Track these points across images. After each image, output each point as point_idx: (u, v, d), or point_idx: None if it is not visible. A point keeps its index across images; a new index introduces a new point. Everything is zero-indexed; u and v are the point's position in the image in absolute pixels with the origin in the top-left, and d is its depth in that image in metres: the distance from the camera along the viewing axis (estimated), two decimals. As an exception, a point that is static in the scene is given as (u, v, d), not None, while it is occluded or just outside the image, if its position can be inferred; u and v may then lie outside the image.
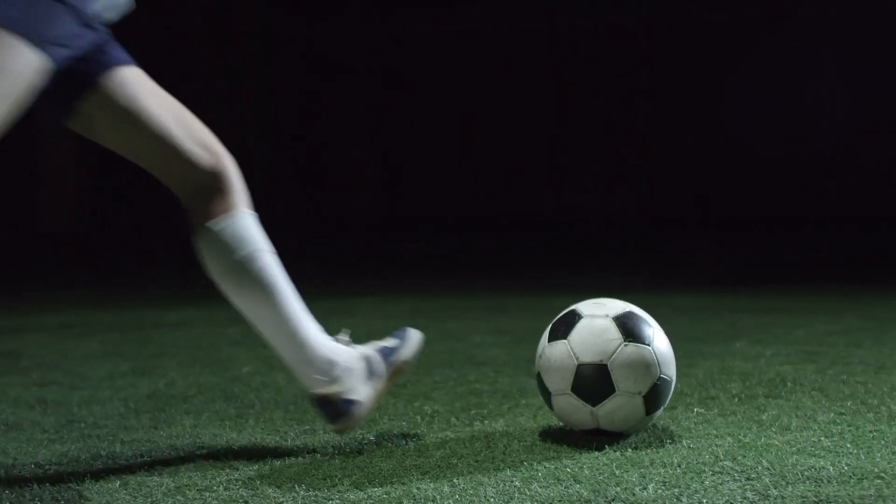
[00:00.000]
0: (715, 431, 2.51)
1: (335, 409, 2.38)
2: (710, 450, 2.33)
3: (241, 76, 12.96)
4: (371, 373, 2.45)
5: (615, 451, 2.34)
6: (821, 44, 11.37)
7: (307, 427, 2.67)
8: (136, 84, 2.21)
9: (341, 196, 13.30)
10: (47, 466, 2.36)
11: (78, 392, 3.20)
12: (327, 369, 2.38)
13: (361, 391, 2.41)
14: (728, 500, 1.98)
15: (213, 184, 2.29)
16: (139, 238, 11.12)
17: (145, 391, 3.20)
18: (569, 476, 2.16)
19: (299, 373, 2.42)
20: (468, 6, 12.78)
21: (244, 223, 2.33)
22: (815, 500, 1.97)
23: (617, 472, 2.19)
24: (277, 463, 2.33)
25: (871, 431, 2.46)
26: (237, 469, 2.29)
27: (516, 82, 12.74)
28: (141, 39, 13.08)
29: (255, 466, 2.31)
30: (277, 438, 2.57)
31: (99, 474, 2.27)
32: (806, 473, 2.13)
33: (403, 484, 2.14)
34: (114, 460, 2.40)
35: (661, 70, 12.12)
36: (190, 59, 12.69)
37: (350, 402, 2.39)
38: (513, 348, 3.90)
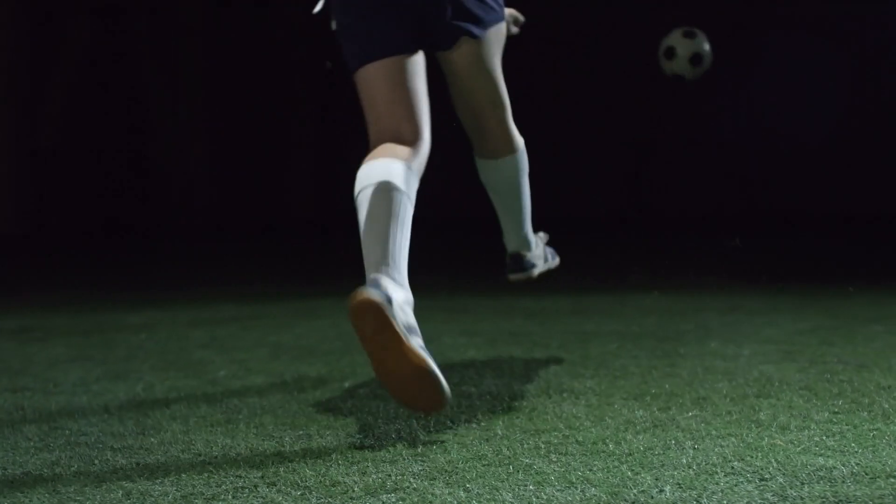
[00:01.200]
0: (715, 432, 2.51)
1: (522, 264, 3.49)
2: (715, 451, 2.33)
3: (180, 70, 12.78)
4: (546, 259, 3.61)
5: (621, 453, 2.33)
6: (800, 42, 11.49)
7: (301, 432, 2.62)
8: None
9: (279, 194, 13.18)
10: (39, 475, 2.29)
11: (53, 398, 3.11)
12: (530, 241, 3.47)
13: (539, 264, 3.54)
14: (748, 502, 1.98)
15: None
16: (82, 239, 10.91)
17: (123, 396, 3.12)
18: (581, 479, 2.15)
19: (513, 238, 3.45)
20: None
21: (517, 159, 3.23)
22: (835, 500, 1.97)
23: (629, 473, 2.18)
24: (281, 469, 2.28)
25: (870, 430, 2.48)
26: (241, 476, 2.24)
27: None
28: (80, 31, 12.79)
29: (259, 473, 2.26)
30: (274, 444, 2.52)
31: (97, 483, 2.21)
32: (819, 473, 2.13)
33: (416, 490, 2.11)
34: (109, 468, 2.33)
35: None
36: (131, 52, 12.49)
37: (532, 265, 3.50)
38: (488, 350, 3.88)
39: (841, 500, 1.96)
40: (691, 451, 2.33)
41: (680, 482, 2.11)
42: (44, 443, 2.58)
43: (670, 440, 2.44)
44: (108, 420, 2.81)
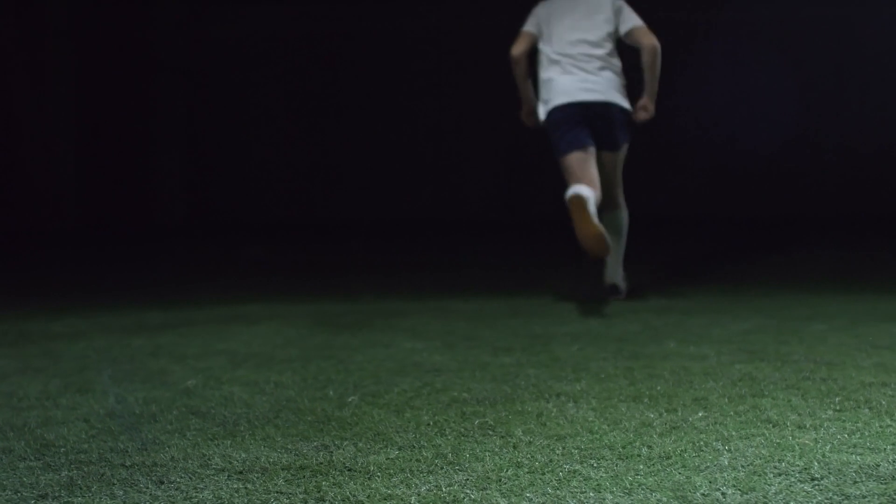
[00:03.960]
0: (735, 433, 2.53)
1: (618, 291, 5.31)
2: (749, 452, 2.35)
3: (46, 71, 12.28)
4: (626, 286, 5.39)
5: (657, 456, 2.33)
6: (760, 46, 11.69)
7: (316, 443, 2.54)
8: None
9: (151, 200, 12.80)
10: (59, 497, 2.15)
11: (25, 413, 2.93)
12: (622, 273, 5.36)
13: (624, 290, 5.34)
14: (818, 502, 2.00)
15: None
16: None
17: (101, 410, 2.96)
18: (636, 484, 2.14)
19: (614, 271, 5.33)
20: (283, 7, 12.56)
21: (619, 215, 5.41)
22: (892, 498, 2.01)
23: (679, 477, 2.18)
24: (323, 484, 2.20)
25: (881, 427, 2.55)
26: (283, 493, 2.15)
27: (337, 83, 12.62)
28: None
29: (301, 488, 2.17)
30: (294, 456, 2.43)
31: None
32: (865, 472, 2.18)
33: (475, 500, 2.07)
34: (134, 488, 2.20)
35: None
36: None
37: (622, 291, 5.33)
38: (454, 353, 3.84)
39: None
40: (726, 453, 2.35)
41: (735, 484, 2.12)
42: (44, 462, 2.42)
43: (698, 442, 2.45)
44: (101, 436, 2.67)
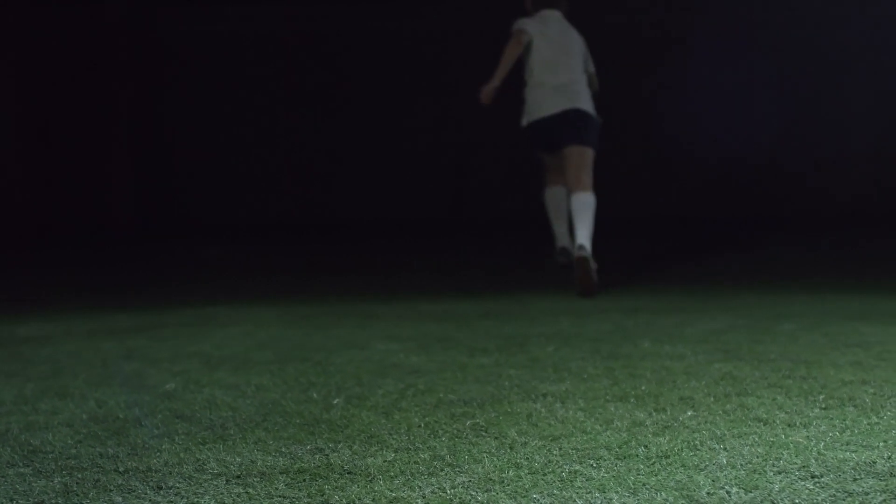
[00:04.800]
0: (728, 431, 2.56)
1: (567, 253, 5.91)
2: (745, 450, 2.38)
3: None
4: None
5: (654, 455, 2.34)
6: (747, 49, 11.74)
7: (310, 446, 2.52)
8: None
9: (102, 202, 12.62)
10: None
11: (3, 419, 2.88)
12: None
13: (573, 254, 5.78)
14: (821, 499, 2.02)
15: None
16: None
17: (82, 415, 2.92)
18: (640, 484, 2.15)
19: (585, 244, 5.58)
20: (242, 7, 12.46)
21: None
22: (893, 494, 2.04)
23: (681, 477, 2.19)
24: (326, 487, 2.18)
25: (869, 424, 2.59)
26: (286, 497, 2.13)
27: (291, 84, 12.54)
28: None
29: (304, 492, 2.16)
30: (290, 460, 2.41)
31: (132, 510, 2.06)
32: (863, 469, 2.21)
33: (483, 502, 2.06)
34: (134, 495, 2.17)
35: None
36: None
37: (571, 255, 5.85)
38: (430, 355, 3.83)
39: (901, 494, 2.03)
40: (722, 452, 2.37)
41: (737, 483, 2.14)
42: (34, 468, 2.38)
43: (692, 441, 2.47)
44: (87, 440, 2.62)
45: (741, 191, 11.56)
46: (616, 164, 11.46)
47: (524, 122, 5.90)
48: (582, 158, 5.75)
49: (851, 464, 2.24)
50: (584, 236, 5.56)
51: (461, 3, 11.89)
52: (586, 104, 5.80)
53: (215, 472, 2.32)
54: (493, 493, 2.12)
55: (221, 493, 2.17)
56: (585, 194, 5.69)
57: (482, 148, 12.11)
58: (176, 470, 2.34)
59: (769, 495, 2.06)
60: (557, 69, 5.80)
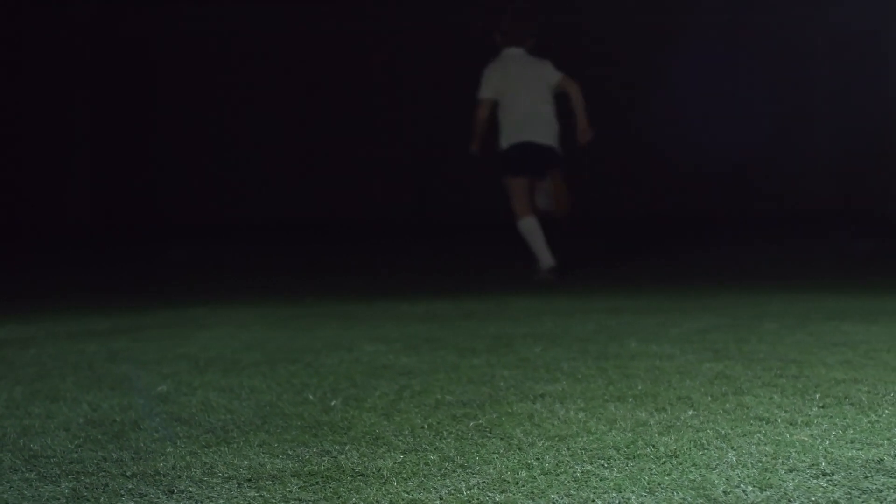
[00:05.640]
0: (731, 431, 2.57)
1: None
2: (752, 449, 2.39)
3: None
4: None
5: (663, 455, 2.35)
6: (735, 51, 11.77)
7: (316, 448, 2.51)
8: None
9: (58, 203, 12.47)
10: (67, 510, 2.08)
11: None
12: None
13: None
14: (837, 497, 2.04)
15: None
16: None
17: (78, 419, 2.88)
18: (655, 484, 2.16)
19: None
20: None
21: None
22: (906, 490, 2.07)
23: (694, 476, 2.20)
24: (340, 489, 2.17)
25: (869, 422, 2.62)
26: (302, 500, 2.12)
27: (251, 85, 12.47)
28: None
29: (319, 495, 2.14)
30: (299, 463, 2.39)
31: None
32: (873, 467, 2.23)
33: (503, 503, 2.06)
34: (146, 499, 2.15)
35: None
36: None
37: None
38: (419, 356, 3.82)
39: (915, 491, 2.06)
40: (730, 451, 2.39)
41: (751, 481, 2.15)
42: (38, 473, 2.35)
43: (698, 440, 2.48)
44: (87, 444, 2.59)
45: (713, 191, 11.66)
46: (587, 165, 11.55)
47: (503, 144, 6.67)
48: (557, 187, 6.65)
49: (860, 461, 2.27)
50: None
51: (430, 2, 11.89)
52: (551, 139, 6.63)
53: (225, 475, 2.30)
54: (509, 494, 2.12)
55: (235, 497, 2.15)
56: (563, 212, 6.65)
57: (444, 148, 12.12)
58: (184, 473, 2.32)
59: (784, 494, 2.08)
60: (521, 110, 6.59)
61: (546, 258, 6.52)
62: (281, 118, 12.40)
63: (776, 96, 11.57)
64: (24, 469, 2.39)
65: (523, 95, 6.57)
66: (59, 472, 2.36)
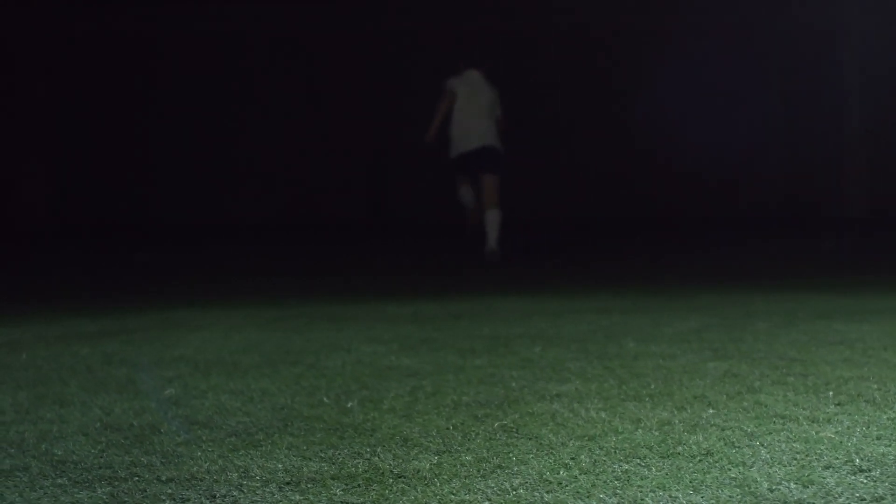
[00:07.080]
0: (756, 429, 2.60)
1: (496, 254, 7.71)
2: (782, 446, 2.42)
3: None
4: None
5: (696, 454, 2.37)
6: (731, 54, 11.83)
7: (347, 451, 2.49)
8: None
9: (15, 204, 12.29)
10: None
11: (13, 428, 2.78)
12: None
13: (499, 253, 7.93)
14: (882, 493, 2.07)
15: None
16: None
17: (94, 423, 2.83)
18: (697, 482, 2.18)
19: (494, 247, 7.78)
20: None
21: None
22: (945, 486, 2.10)
23: (734, 474, 2.22)
24: (386, 492, 2.16)
25: (889, 419, 2.66)
26: (348, 503, 2.10)
27: (211, 89, 12.37)
28: None
29: (363, 497, 2.14)
30: (336, 467, 2.37)
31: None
32: (907, 462, 2.26)
33: (553, 503, 2.06)
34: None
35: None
36: None
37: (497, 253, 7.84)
38: (420, 357, 3.81)
39: (954, 486, 2.10)
40: (762, 449, 2.41)
41: (793, 479, 2.18)
42: (70, 479, 2.31)
43: (728, 439, 2.51)
44: (110, 449, 2.55)
45: (696, 193, 11.78)
46: (567, 167, 11.62)
47: (452, 153, 7.89)
48: (493, 183, 7.79)
49: (892, 457, 2.31)
50: (493, 239, 7.68)
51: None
52: (494, 141, 7.85)
53: (262, 478, 2.28)
54: (556, 494, 2.12)
55: (279, 501, 2.13)
56: (496, 210, 7.73)
57: (396, 153, 12.12)
58: (221, 477, 2.29)
59: (828, 491, 2.10)
60: (472, 118, 7.78)
61: (471, 206, 7.85)
62: (247, 121, 12.32)
63: (772, 104, 11.73)
64: (53, 475, 2.35)
65: (474, 104, 7.83)
66: (90, 477, 2.32)
